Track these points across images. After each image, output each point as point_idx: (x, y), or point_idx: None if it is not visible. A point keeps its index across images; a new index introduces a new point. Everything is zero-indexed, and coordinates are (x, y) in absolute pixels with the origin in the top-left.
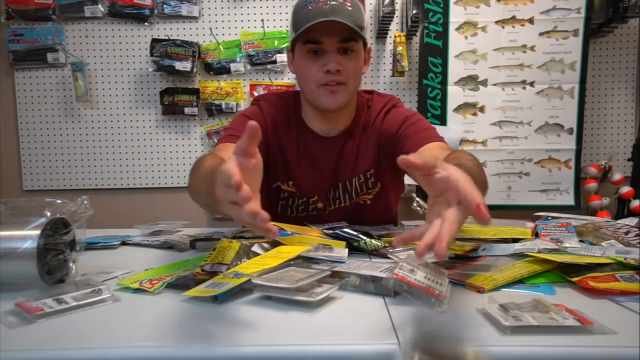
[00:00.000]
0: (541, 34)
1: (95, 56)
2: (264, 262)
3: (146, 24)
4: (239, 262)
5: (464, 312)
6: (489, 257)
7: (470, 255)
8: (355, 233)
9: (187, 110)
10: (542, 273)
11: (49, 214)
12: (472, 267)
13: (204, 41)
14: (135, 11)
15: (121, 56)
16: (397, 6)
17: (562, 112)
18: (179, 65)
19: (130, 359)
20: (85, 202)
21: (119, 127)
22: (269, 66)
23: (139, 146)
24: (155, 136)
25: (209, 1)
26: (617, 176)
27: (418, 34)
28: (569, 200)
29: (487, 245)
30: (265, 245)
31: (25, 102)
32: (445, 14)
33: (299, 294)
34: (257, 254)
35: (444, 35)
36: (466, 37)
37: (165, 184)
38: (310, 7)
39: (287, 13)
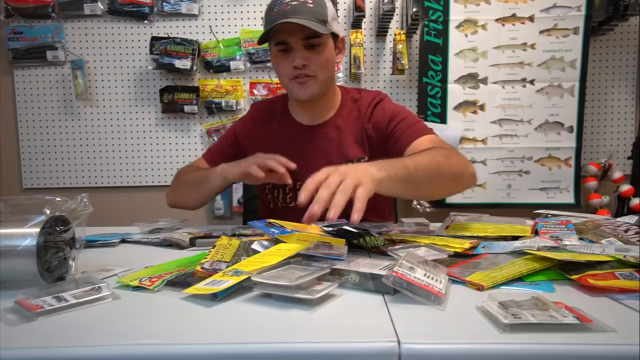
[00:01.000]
0: (541, 31)
1: (94, 54)
2: (264, 259)
3: (146, 21)
4: (238, 260)
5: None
6: (488, 254)
7: (469, 253)
8: (355, 230)
9: (186, 108)
10: (541, 271)
11: (48, 211)
12: (472, 265)
13: (204, 39)
14: (134, 9)
15: (121, 54)
16: (397, 4)
17: (562, 110)
18: (179, 63)
19: (130, 356)
20: (85, 200)
21: (118, 125)
22: (268, 64)
23: (138, 144)
24: (155, 134)
25: None
26: (617, 174)
27: (418, 31)
28: (569, 198)
29: (487, 242)
30: (265, 242)
31: (24, 101)
32: (446, 11)
33: (298, 291)
34: (257, 252)
35: (444, 33)
36: (466, 35)
37: (165, 182)
38: (275, 10)
39: None
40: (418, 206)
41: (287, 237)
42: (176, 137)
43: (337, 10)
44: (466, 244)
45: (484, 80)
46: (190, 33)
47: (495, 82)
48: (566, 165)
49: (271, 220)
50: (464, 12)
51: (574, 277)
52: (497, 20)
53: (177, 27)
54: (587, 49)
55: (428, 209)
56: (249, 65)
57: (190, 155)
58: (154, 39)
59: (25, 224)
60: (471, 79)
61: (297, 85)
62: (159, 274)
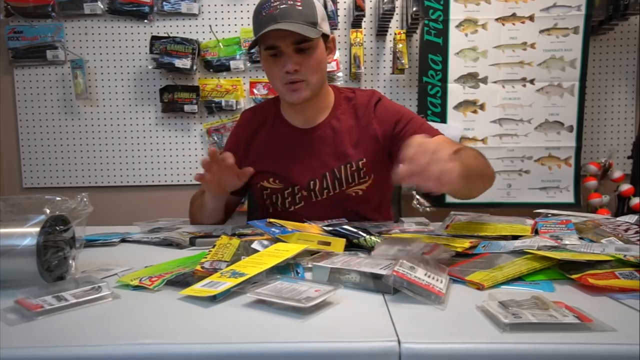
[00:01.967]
0: (541, 31)
1: (94, 53)
2: (262, 260)
3: (146, 21)
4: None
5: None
6: (488, 254)
7: (470, 252)
8: (355, 230)
9: (186, 107)
10: (541, 270)
11: (48, 211)
12: (472, 264)
13: (204, 38)
14: (134, 8)
15: (121, 54)
16: (397, 3)
17: (562, 109)
18: (179, 63)
19: (129, 356)
20: (85, 199)
21: (118, 125)
22: None
23: (138, 144)
24: (155, 134)
25: None
26: (617, 174)
27: (418, 31)
28: (569, 197)
29: (487, 242)
30: (265, 242)
31: (24, 100)
32: (446, 11)
33: (290, 299)
34: (256, 251)
35: (444, 33)
36: (466, 35)
37: (165, 181)
38: (264, 14)
39: None
40: (418, 206)
41: (287, 236)
42: (176, 136)
43: (336, 9)
44: (466, 244)
45: (484, 80)
46: (190, 32)
47: (495, 82)
48: (566, 165)
49: (271, 220)
50: (464, 12)
51: (574, 276)
52: (497, 19)
53: (177, 26)
54: (587, 48)
55: (428, 209)
56: (249, 64)
57: (190, 155)
58: (154, 38)
59: (25, 224)
60: (471, 79)
61: (289, 91)
62: (158, 274)
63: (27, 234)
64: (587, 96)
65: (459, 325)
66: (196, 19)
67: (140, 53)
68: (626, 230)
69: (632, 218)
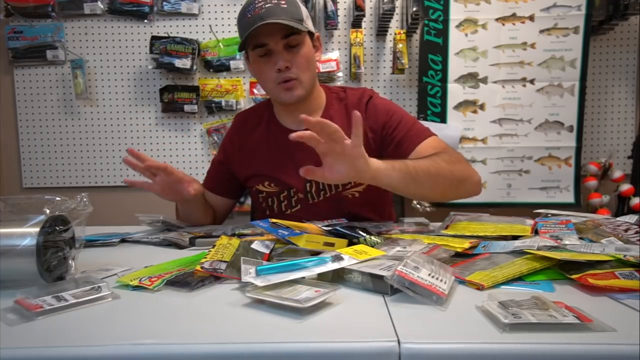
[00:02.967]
0: (541, 31)
1: (94, 53)
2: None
3: (146, 21)
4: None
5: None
6: (488, 254)
7: (470, 252)
8: (355, 230)
9: (186, 107)
10: (541, 270)
11: (48, 211)
12: (472, 264)
13: (204, 38)
14: (134, 8)
15: (121, 53)
16: (397, 3)
17: (562, 109)
18: (179, 63)
19: (129, 356)
20: (85, 199)
21: (118, 125)
22: None
23: (138, 144)
24: (155, 134)
25: None
26: (617, 174)
27: (418, 31)
28: (569, 197)
29: (487, 242)
30: (267, 242)
31: (24, 100)
32: (446, 11)
33: (288, 299)
34: (256, 252)
35: (444, 33)
36: (466, 35)
37: None
38: (249, 15)
39: None
40: (418, 205)
41: (296, 238)
42: (176, 136)
43: (336, 9)
44: (466, 244)
45: (484, 80)
46: (190, 32)
47: (495, 82)
48: (566, 165)
49: (274, 220)
50: (464, 12)
51: (574, 276)
52: (497, 19)
53: (177, 26)
54: (587, 48)
55: (428, 209)
56: None
57: (190, 155)
58: (154, 38)
59: (24, 224)
60: (471, 79)
61: (283, 91)
62: (158, 274)
63: (26, 234)
64: (587, 96)
65: (459, 325)
66: (196, 19)
67: (140, 53)
68: (626, 230)
69: (632, 218)
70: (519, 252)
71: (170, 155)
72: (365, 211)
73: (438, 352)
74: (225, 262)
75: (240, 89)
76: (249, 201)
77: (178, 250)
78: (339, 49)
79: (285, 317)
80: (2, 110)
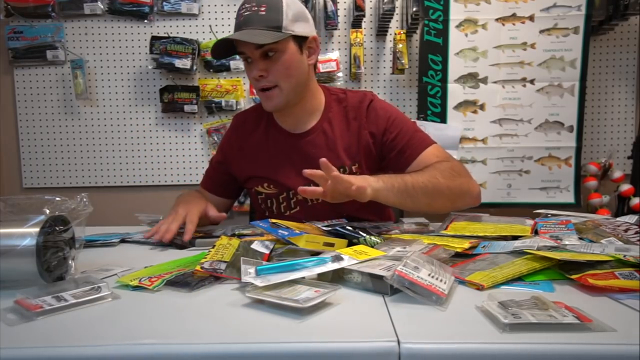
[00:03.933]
0: (541, 31)
1: (94, 54)
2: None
3: (146, 21)
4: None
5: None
6: (488, 254)
7: (469, 253)
8: (355, 230)
9: (186, 107)
10: (541, 270)
11: (48, 211)
12: (472, 264)
13: (204, 39)
14: (134, 8)
15: (121, 54)
16: (397, 4)
17: (562, 109)
18: (179, 63)
19: (129, 356)
20: (85, 199)
21: (118, 125)
22: None
23: (138, 144)
24: (155, 134)
25: None
26: (617, 174)
27: (418, 31)
28: (569, 198)
29: (487, 242)
30: (267, 242)
31: (24, 100)
32: (446, 11)
33: (287, 299)
34: (256, 252)
35: (444, 33)
36: (466, 35)
37: (165, 181)
38: (236, 21)
39: None
40: None
41: (296, 239)
42: (176, 136)
43: (336, 9)
44: (466, 244)
45: (484, 80)
46: (190, 32)
47: (495, 82)
48: (566, 165)
49: (274, 221)
50: (464, 12)
51: (573, 276)
52: (497, 19)
53: (177, 26)
54: (587, 48)
55: None
56: None
57: (190, 155)
58: (154, 38)
59: (24, 224)
60: (471, 79)
61: (263, 98)
62: (158, 274)
63: (26, 234)
64: (587, 96)
65: (459, 325)
66: (196, 19)
67: (140, 53)
68: (626, 231)
69: (632, 218)
70: (519, 252)
71: (170, 156)
72: (364, 213)
73: (438, 352)
74: (225, 262)
75: (240, 89)
76: (248, 201)
77: (178, 251)
78: (339, 49)
79: (285, 317)
80: (2, 110)
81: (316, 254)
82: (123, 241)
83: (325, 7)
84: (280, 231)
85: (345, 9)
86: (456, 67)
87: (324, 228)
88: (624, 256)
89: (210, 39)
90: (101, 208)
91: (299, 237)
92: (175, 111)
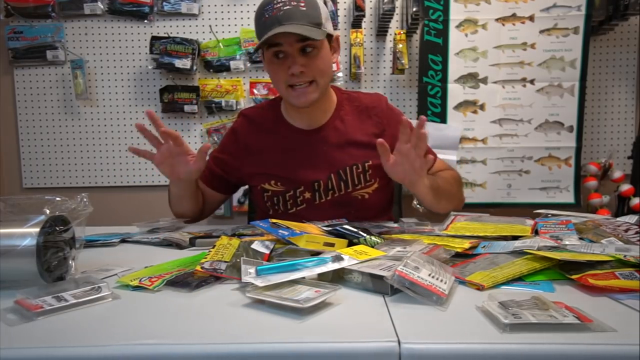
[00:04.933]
0: (541, 31)
1: (94, 54)
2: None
3: (146, 21)
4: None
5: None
6: (488, 254)
7: (470, 253)
8: (355, 230)
9: (186, 108)
10: (541, 270)
11: (48, 211)
12: (472, 264)
13: (204, 39)
14: (134, 9)
15: (121, 54)
16: (397, 4)
17: (562, 109)
18: (179, 63)
19: (129, 356)
20: (85, 199)
21: (118, 125)
22: None
23: (138, 144)
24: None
25: None
26: (617, 174)
27: (418, 31)
28: (569, 198)
29: (487, 242)
30: (267, 242)
31: (24, 100)
32: (446, 11)
33: (288, 300)
34: (257, 252)
35: (444, 33)
36: (466, 35)
37: (165, 181)
38: (267, 15)
39: None
40: (418, 206)
41: (296, 239)
42: None
43: (336, 9)
44: (466, 244)
45: (484, 80)
46: (190, 33)
47: (495, 82)
48: (566, 165)
49: (274, 221)
50: (464, 12)
51: (574, 276)
52: (497, 19)
53: (177, 26)
54: (587, 48)
55: None
56: (249, 64)
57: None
58: (154, 38)
59: (25, 224)
60: (471, 79)
61: (296, 95)
62: (158, 274)
63: (27, 234)
64: (587, 96)
65: (459, 325)
66: (196, 19)
67: (140, 53)
68: (626, 231)
69: (632, 218)
70: (519, 253)
71: None
72: (370, 215)
73: (438, 352)
74: (226, 262)
75: (240, 89)
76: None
77: (178, 251)
78: None
79: (286, 317)
80: (2, 110)
81: (316, 254)
82: (123, 241)
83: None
84: (280, 231)
85: (345, 9)
86: (456, 67)
87: (324, 228)
88: (624, 256)
89: (210, 39)
90: (101, 208)
91: (299, 237)
92: (175, 111)
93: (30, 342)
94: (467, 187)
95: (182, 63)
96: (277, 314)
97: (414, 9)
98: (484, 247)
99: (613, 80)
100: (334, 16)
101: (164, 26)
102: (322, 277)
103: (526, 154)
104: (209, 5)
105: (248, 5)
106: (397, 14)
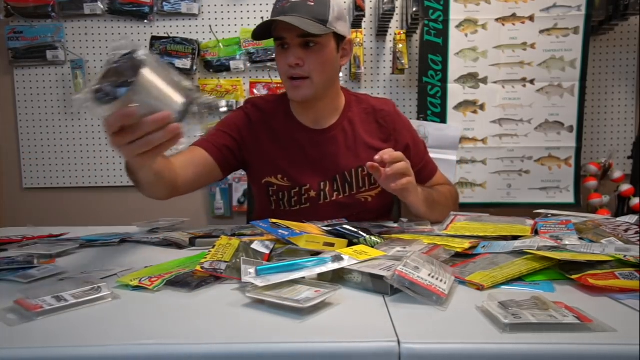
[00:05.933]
0: (541, 31)
1: (94, 54)
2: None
3: (146, 21)
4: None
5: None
6: (488, 254)
7: (469, 253)
8: (355, 230)
9: None
10: (541, 270)
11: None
12: (472, 264)
13: (204, 39)
14: (134, 9)
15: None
16: (397, 4)
17: (562, 109)
18: (179, 63)
19: (129, 356)
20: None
21: None
22: (268, 64)
23: None
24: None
25: None
26: (617, 174)
27: (418, 31)
28: (569, 198)
29: (487, 242)
30: (267, 242)
31: (24, 100)
32: (446, 11)
33: (288, 300)
34: (257, 252)
35: (444, 33)
36: (466, 35)
37: None
38: (278, 5)
39: None
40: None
41: (296, 239)
42: None
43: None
44: (466, 244)
45: (484, 80)
46: (190, 33)
47: (495, 82)
48: (566, 165)
49: (274, 221)
50: (464, 12)
51: (574, 277)
52: (497, 19)
53: (177, 26)
54: (587, 48)
55: None
56: (249, 64)
57: None
58: (154, 38)
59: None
60: (471, 79)
61: (291, 87)
62: (158, 274)
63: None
64: (587, 96)
65: (459, 325)
66: (196, 19)
67: None
68: (626, 231)
69: (632, 218)
70: (519, 253)
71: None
72: (372, 217)
73: (438, 352)
74: (225, 262)
75: (240, 89)
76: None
77: (178, 251)
78: None
79: (286, 318)
80: (2, 110)
81: (316, 254)
82: (123, 241)
83: None
84: (280, 231)
85: (345, 9)
86: (456, 67)
87: (324, 228)
88: (624, 256)
89: (210, 39)
90: (101, 208)
91: (299, 237)
92: None
93: (30, 342)
94: (467, 187)
95: (182, 63)
96: (277, 314)
97: (414, 9)
98: (483, 247)
99: (613, 80)
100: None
101: (164, 26)
102: (322, 277)
103: (526, 154)
104: (209, 5)
105: (248, 5)
106: (397, 14)
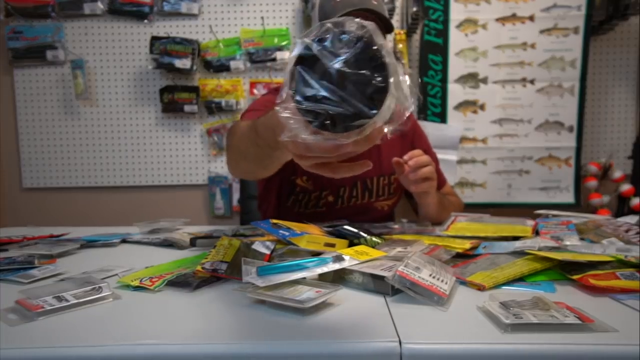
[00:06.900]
0: (542, 31)
1: (94, 54)
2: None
3: (146, 21)
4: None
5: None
6: (489, 254)
7: (470, 253)
8: (356, 230)
9: (186, 108)
10: (542, 271)
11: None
12: (473, 265)
13: (204, 39)
14: (134, 9)
15: (121, 54)
16: (397, 4)
17: (562, 109)
18: (179, 63)
19: (130, 356)
20: None
21: (118, 125)
22: (268, 64)
23: (138, 144)
24: (155, 134)
25: None
26: (617, 174)
27: (418, 31)
28: (569, 198)
29: (488, 243)
30: (268, 243)
31: (24, 100)
32: (446, 11)
33: (289, 300)
34: (257, 252)
35: (444, 33)
36: (466, 35)
37: (165, 181)
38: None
39: (287, 10)
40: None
41: (297, 239)
42: (176, 136)
43: None
44: (467, 244)
45: (484, 80)
46: (190, 33)
47: (495, 82)
48: (566, 165)
49: (275, 221)
50: (464, 12)
51: (575, 277)
52: (497, 19)
53: (177, 26)
54: (587, 48)
55: None
56: (249, 64)
57: (190, 155)
58: (154, 38)
59: None
60: (471, 79)
61: None
62: (159, 274)
63: None
64: (587, 96)
65: (460, 325)
66: (196, 19)
67: (140, 53)
68: (627, 231)
69: (632, 218)
70: (520, 253)
71: (170, 156)
72: (382, 222)
73: (439, 353)
74: (226, 262)
75: (240, 89)
76: None
77: (179, 251)
78: None
79: (287, 318)
80: (2, 110)
81: (317, 254)
82: (124, 241)
83: None
84: (281, 232)
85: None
86: (456, 67)
87: (325, 228)
88: (625, 256)
89: (210, 39)
90: (101, 208)
91: (300, 238)
92: (175, 111)
93: (31, 342)
94: (467, 187)
95: (182, 63)
96: (278, 314)
97: (414, 9)
98: (484, 247)
99: (613, 80)
100: None
101: (164, 26)
102: (323, 277)
103: (526, 154)
104: (209, 5)
105: (248, 5)
106: (397, 14)
